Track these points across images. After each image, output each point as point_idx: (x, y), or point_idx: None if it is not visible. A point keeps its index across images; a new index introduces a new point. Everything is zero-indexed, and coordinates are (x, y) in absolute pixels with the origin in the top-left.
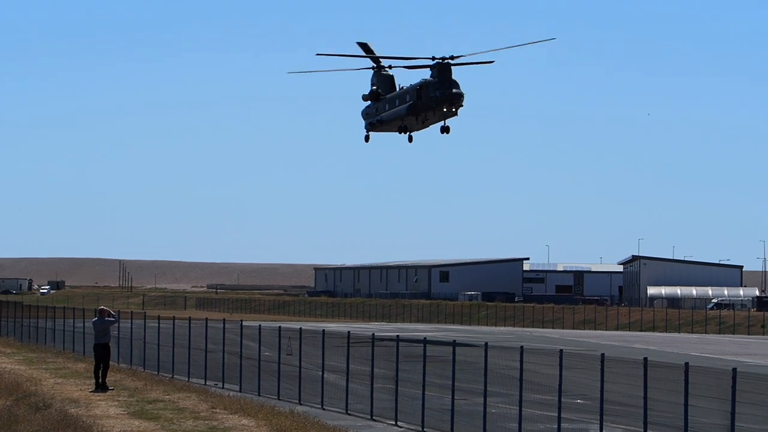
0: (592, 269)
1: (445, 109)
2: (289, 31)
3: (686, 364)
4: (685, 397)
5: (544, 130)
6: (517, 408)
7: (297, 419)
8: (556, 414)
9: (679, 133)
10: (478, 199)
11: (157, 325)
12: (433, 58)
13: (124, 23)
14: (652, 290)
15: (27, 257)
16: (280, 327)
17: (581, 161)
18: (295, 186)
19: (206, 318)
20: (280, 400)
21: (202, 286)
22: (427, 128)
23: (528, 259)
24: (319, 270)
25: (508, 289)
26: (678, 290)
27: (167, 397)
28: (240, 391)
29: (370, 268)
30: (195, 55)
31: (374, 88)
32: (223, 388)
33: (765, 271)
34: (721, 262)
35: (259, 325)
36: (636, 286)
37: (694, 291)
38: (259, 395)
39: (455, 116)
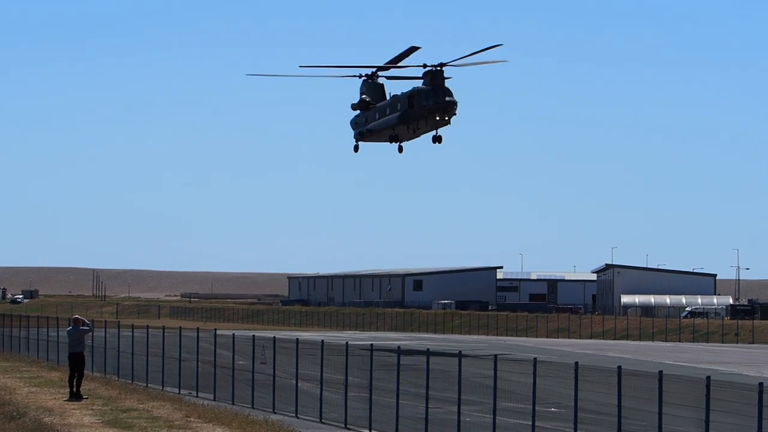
0: (566, 278)
1: (437, 118)
2: (279, 33)
3: (660, 372)
4: (659, 406)
5: (519, 140)
6: (492, 416)
7: (271, 428)
8: (530, 422)
9: (653, 143)
10: (452, 208)
11: (131, 333)
12: (425, 66)
13: (106, 29)
14: (625, 299)
15: (1, 266)
16: (254, 336)
17: (554, 171)
18: (269, 195)
19: (180, 327)
20: (254, 408)
21: (175, 295)
22: (418, 138)
23: (501, 267)
24: (292, 279)
25: (482, 297)
26: (652, 299)
27: (141, 405)
28: (214, 400)
29: (344, 277)
30: (172, 61)
31: (363, 96)
32: (197, 396)
33: (738, 280)
34: (695, 271)
35: (233, 334)
36: (610, 295)
37: (667, 299)
38: (233, 404)
39: (448, 125)
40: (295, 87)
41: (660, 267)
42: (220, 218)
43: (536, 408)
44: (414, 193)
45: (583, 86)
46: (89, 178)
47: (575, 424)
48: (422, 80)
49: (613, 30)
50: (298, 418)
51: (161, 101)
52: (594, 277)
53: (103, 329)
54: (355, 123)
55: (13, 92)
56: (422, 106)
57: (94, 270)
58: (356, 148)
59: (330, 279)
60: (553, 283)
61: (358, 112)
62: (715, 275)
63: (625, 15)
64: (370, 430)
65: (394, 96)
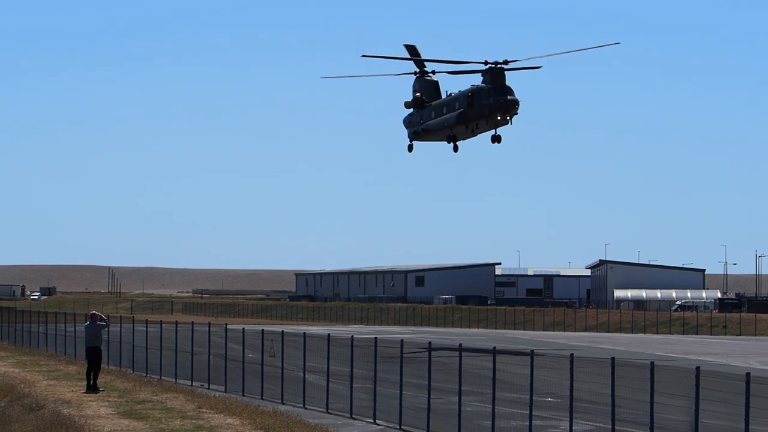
0: (561, 273)
1: (498, 117)
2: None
3: (652, 363)
4: (651, 395)
5: (516, 141)
6: (491, 406)
7: (280, 418)
8: (528, 412)
9: (644, 143)
10: (453, 207)
11: (145, 329)
12: (486, 63)
13: (121, 24)
14: (618, 293)
15: (20, 264)
16: (263, 330)
17: (550, 172)
18: (277, 196)
19: (192, 322)
20: (263, 399)
21: (187, 292)
22: (476, 137)
23: (500, 264)
24: (299, 275)
25: (481, 292)
26: (643, 293)
27: (155, 397)
28: (225, 392)
29: (349, 274)
30: (181, 65)
31: (418, 94)
32: (208, 388)
33: (726, 275)
34: (685, 266)
35: (243, 329)
36: (603, 289)
37: (658, 294)
38: (243, 395)
39: (508, 125)
40: (297, 90)
41: (651, 263)
42: (231, 218)
43: (533, 398)
44: (416, 192)
45: (577, 87)
46: (105, 181)
47: (571, 413)
48: (482, 78)
49: (611, 33)
50: (305, 408)
51: (173, 104)
52: (588, 272)
53: (119, 324)
54: (408, 122)
55: (33, 95)
56: (483, 105)
57: (109, 268)
58: (410, 148)
59: (335, 275)
60: (549, 279)
61: (411, 110)
62: (704, 270)
63: (614, 19)
64: (374, 419)
65: (452, 94)
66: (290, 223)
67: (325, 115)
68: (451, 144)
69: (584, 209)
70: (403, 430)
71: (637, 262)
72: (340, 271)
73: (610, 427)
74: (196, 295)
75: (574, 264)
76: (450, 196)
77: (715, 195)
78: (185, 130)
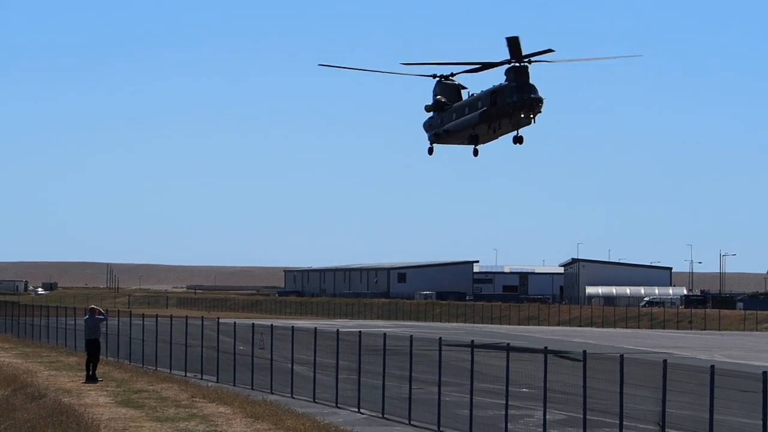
0: (536, 271)
1: (522, 116)
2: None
3: (621, 356)
4: (620, 386)
5: (493, 145)
6: (469, 396)
7: (269, 407)
8: (504, 401)
9: (614, 146)
10: (433, 207)
11: (141, 322)
12: (509, 61)
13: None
14: (590, 290)
15: (23, 261)
16: (253, 324)
17: (525, 172)
18: (267, 197)
19: (186, 316)
20: (253, 389)
21: (182, 287)
22: (497, 139)
23: (477, 261)
24: (288, 272)
25: (460, 288)
26: (613, 289)
27: (151, 387)
28: (217, 382)
29: (335, 271)
30: (174, 66)
31: (438, 97)
32: (201, 379)
33: (692, 272)
34: (652, 264)
35: (234, 322)
36: (575, 286)
37: (628, 290)
38: (234, 385)
39: (531, 124)
40: (288, 91)
41: (621, 261)
42: (223, 217)
43: (509, 388)
44: (398, 194)
45: (549, 87)
46: (105, 182)
47: (544, 403)
48: (505, 76)
49: (606, 31)
50: (293, 398)
51: (170, 106)
52: (561, 270)
53: (117, 318)
54: (429, 125)
55: (34, 94)
56: (506, 103)
57: (108, 264)
58: (431, 151)
59: (322, 272)
60: (524, 276)
61: (431, 114)
62: (671, 268)
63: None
64: (359, 408)
65: (474, 94)
66: (280, 222)
67: (315, 119)
68: (472, 147)
69: (558, 210)
70: (386, 418)
71: (607, 260)
72: (327, 269)
73: (582, 416)
74: (190, 290)
75: (548, 262)
76: (431, 198)
77: (682, 197)
78: (182, 134)
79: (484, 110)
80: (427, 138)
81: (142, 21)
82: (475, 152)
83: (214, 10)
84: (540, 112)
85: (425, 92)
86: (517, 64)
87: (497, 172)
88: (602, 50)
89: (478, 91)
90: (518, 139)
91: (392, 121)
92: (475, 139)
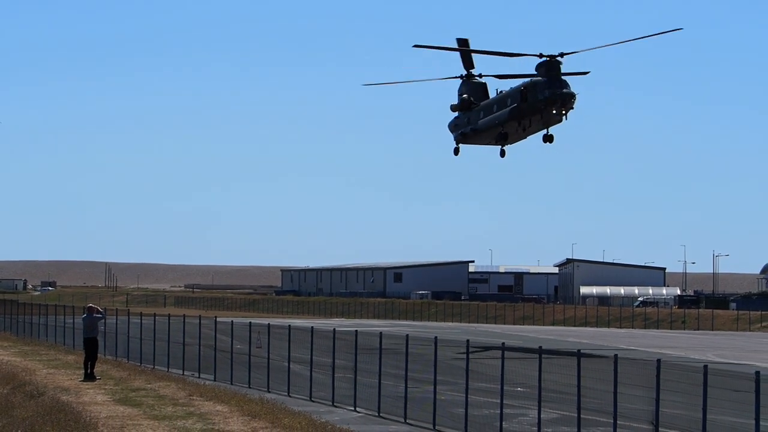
0: (531, 271)
1: (554, 112)
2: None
3: (615, 355)
4: (614, 385)
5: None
6: (464, 395)
7: (266, 405)
8: (499, 400)
9: (607, 147)
10: (429, 207)
11: (139, 321)
12: (541, 56)
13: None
14: (584, 290)
15: (22, 260)
16: (250, 323)
17: (520, 174)
18: (264, 196)
19: (184, 315)
20: (250, 388)
21: (180, 286)
22: (525, 139)
23: (473, 261)
24: (285, 271)
25: (456, 288)
26: (608, 290)
27: (149, 385)
28: (214, 380)
29: (332, 270)
30: (178, 71)
31: (465, 96)
32: (199, 377)
33: (685, 273)
34: (646, 265)
35: (232, 321)
36: (570, 286)
37: (622, 290)
38: (231, 384)
39: (561, 122)
40: (284, 96)
41: (615, 261)
42: (221, 217)
43: (504, 387)
44: (395, 195)
45: None
46: (104, 182)
47: (539, 402)
48: (536, 72)
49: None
50: (290, 396)
51: (169, 107)
52: (556, 270)
53: (115, 317)
54: (455, 125)
55: (35, 96)
56: (537, 99)
57: (106, 263)
58: (456, 151)
59: (319, 272)
60: (519, 276)
61: (456, 114)
62: (665, 269)
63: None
64: (355, 407)
65: (503, 91)
66: (277, 222)
67: (312, 120)
68: (499, 148)
69: (552, 211)
70: (381, 417)
71: (601, 260)
72: (324, 268)
73: (576, 415)
74: (187, 289)
75: (543, 262)
76: (427, 199)
77: (676, 198)
78: (181, 134)
79: (515, 107)
80: (453, 138)
81: (140, 21)
82: (502, 153)
83: (217, 11)
84: (572, 108)
85: (426, 92)
86: (548, 59)
87: (492, 173)
88: (598, 51)
89: (507, 89)
90: (548, 138)
91: (391, 122)
92: (503, 138)
